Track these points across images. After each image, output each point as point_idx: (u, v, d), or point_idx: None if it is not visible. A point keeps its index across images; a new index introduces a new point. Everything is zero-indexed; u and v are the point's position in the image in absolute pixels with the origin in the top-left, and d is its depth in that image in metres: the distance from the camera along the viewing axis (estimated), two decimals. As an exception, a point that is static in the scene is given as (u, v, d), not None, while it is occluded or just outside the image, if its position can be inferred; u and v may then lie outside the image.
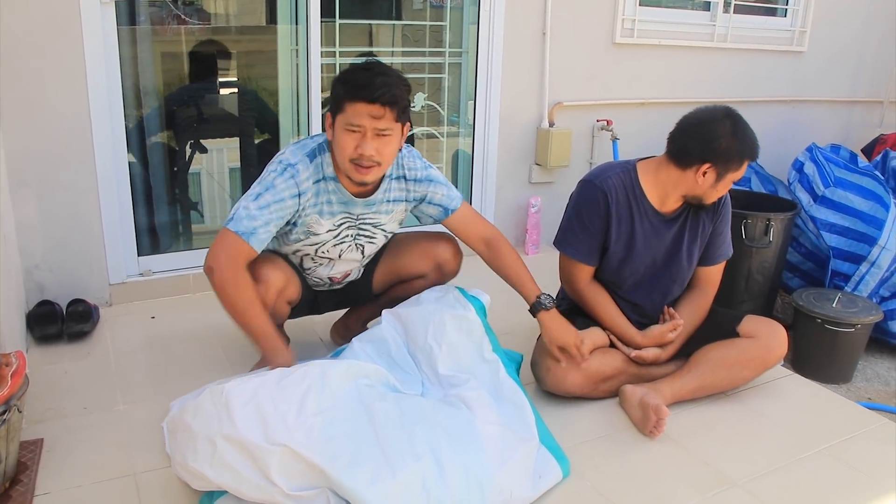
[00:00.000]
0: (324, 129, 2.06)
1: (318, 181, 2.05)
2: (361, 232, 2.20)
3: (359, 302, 2.52)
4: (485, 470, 1.77)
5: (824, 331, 3.12)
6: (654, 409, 2.13)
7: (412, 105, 3.67)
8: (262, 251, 2.02)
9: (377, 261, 2.41)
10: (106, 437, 2.06)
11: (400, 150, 2.10)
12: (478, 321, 2.22)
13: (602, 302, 2.38)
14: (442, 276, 2.40)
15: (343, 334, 2.56)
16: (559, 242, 2.39)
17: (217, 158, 3.60)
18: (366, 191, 2.12)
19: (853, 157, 4.01)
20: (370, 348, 2.17)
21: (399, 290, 2.41)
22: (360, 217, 2.17)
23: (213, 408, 1.72)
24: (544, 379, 2.30)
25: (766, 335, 2.34)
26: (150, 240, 3.18)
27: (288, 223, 2.08)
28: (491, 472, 1.78)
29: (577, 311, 2.45)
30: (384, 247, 2.38)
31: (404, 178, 2.19)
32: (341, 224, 2.15)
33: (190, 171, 3.49)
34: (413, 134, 3.80)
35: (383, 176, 2.13)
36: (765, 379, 2.50)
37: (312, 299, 2.40)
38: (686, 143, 2.18)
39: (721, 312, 2.47)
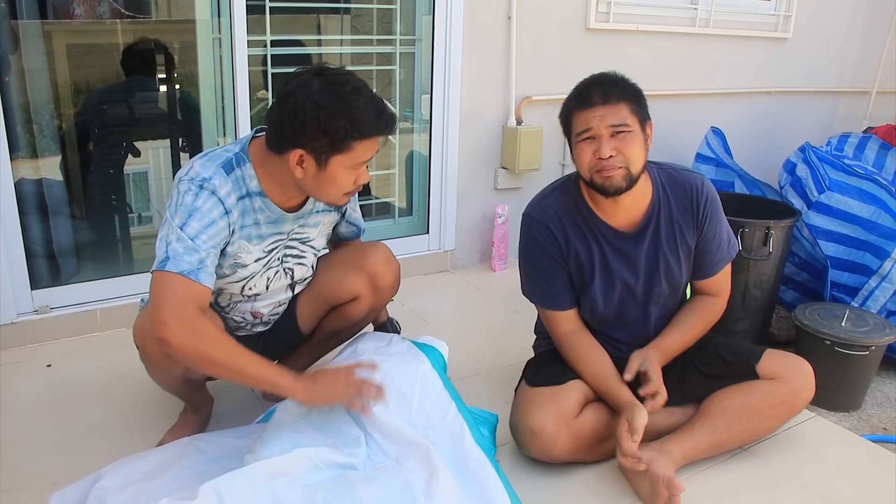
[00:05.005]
0: (274, 156, 1.64)
1: (241, 198, 1.66)
2: (290, 251, 1.84)
3: (287, 347, 2.08)
4: None
5: (834, 353, 2.76)
6: (666, 482, 1.71)
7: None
8: None
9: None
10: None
11: None
12: (434, 375, 1.79)
13: (583, 356, 1.97)
14: (377, 294, 1.98)
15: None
16: (524, 292, 2.08)
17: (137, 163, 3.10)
18: (297, 204, 1.80)
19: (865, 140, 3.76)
20: (297, 411, 1.71)
21: (332, 323, 2.02)
22: (290, 234, 1.81)
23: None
24: (528, 444, 1.86)
25: (791, 376, 1.94)
26: (49, 268, 2.66)
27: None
28: None
29: (558, 355, 2.04)
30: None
31: None
32: (272, 249, 1.78)
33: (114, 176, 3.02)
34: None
35: None
36: (786, 424, 2.10)
37: None
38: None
39: (734, 347, 2.06)
